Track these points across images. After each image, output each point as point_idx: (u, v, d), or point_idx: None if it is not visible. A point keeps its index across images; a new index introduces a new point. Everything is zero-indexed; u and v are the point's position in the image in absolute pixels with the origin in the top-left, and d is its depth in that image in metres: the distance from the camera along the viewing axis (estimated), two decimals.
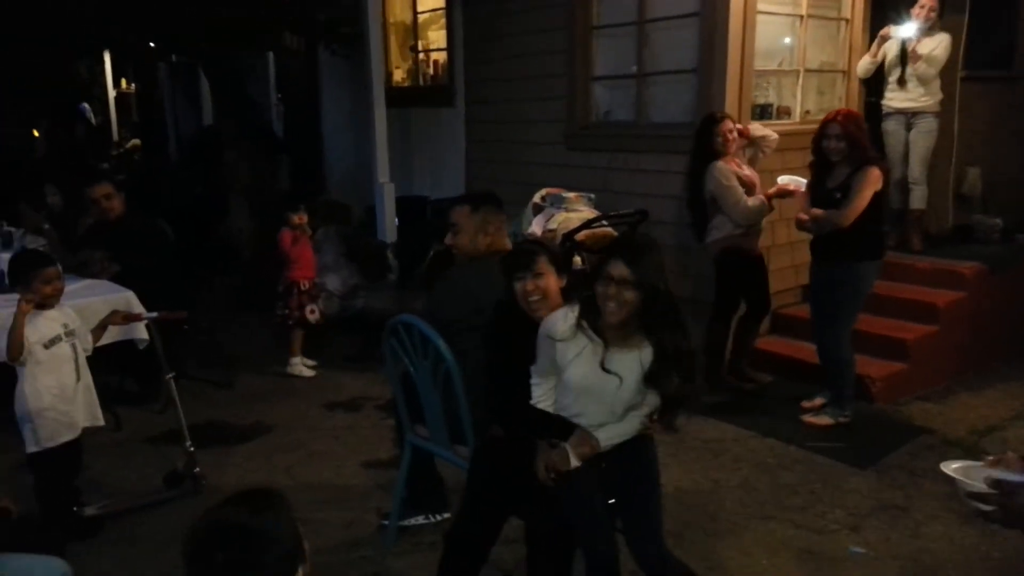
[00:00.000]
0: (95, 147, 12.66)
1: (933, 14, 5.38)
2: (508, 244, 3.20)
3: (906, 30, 5.41)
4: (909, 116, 5.51)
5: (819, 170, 4.30)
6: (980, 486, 1.52)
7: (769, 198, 4.63)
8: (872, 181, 4.11)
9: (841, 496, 3.71)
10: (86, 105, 14.00)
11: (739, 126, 4.76)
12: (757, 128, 4.88)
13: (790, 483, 3.83)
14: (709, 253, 4.79)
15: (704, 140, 4.62)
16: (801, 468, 3.98)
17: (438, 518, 3.46)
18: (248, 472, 4.03)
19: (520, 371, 2.61)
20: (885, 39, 5.51)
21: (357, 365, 5.50)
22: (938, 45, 5.39)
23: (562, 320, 2.43)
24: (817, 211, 4.23)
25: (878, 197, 4.19)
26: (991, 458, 1.65)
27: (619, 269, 2.32)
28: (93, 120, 13.92)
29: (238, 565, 1.39)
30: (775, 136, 4.84)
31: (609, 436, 2.50)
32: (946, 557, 3.24)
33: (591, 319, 2.39)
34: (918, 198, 5.58)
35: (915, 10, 5.39)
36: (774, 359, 5.16)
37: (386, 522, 3.42)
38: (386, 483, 3.81)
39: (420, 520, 3.46)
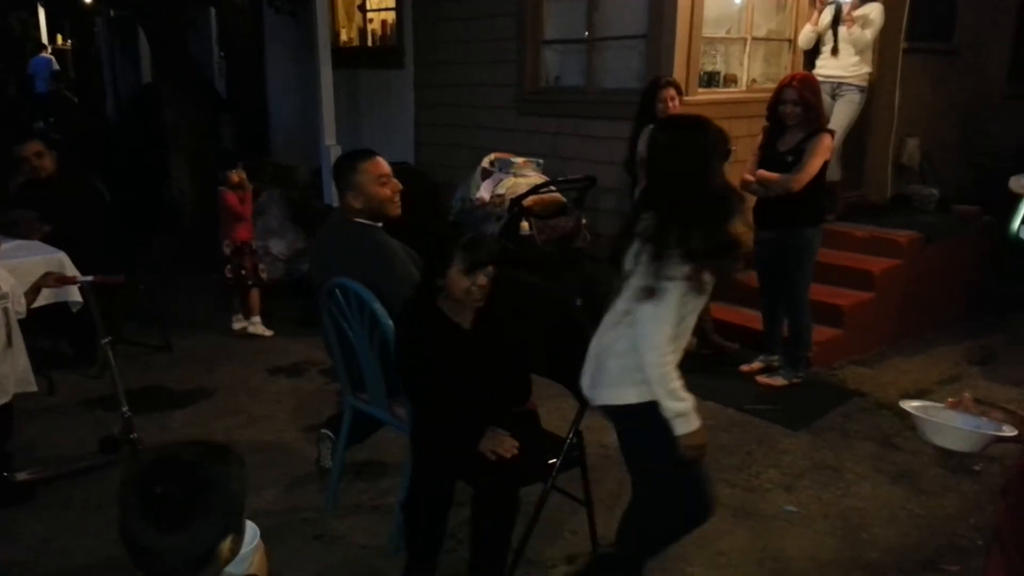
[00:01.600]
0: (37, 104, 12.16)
1: None
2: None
3: None
4: (835, 86, 5.56)
5: (771, 133, 4.36)
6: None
7: None
8: (824, 149, 4.19)
9: (776, 457, 3.82)
10: (49, 57, 13.39)
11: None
12: None
13: (726, 444, 3.92)
14: None
15: (647, 104, 4.64)
16: (738, 430, 4.08)
17: None
18: (187, 437, 3.97)
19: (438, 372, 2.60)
20: (824, 3, 5.55)
21: (301, 329, 5.43)
22: (873, 10, 5.45)
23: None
24: (766, 173, 4.28)
25: (824, 165, 4.27)
26: (950, 400, 1.73)
27: None
28: (55, 66, 13.33)
29: (172, 503, 1.31)
30: None
31: None
32: (874, 514, 3.36)
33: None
34: (833, 170, 5.60)
35: None
36: (715, 325, 5.23)
37: (325, 464, 3.50)
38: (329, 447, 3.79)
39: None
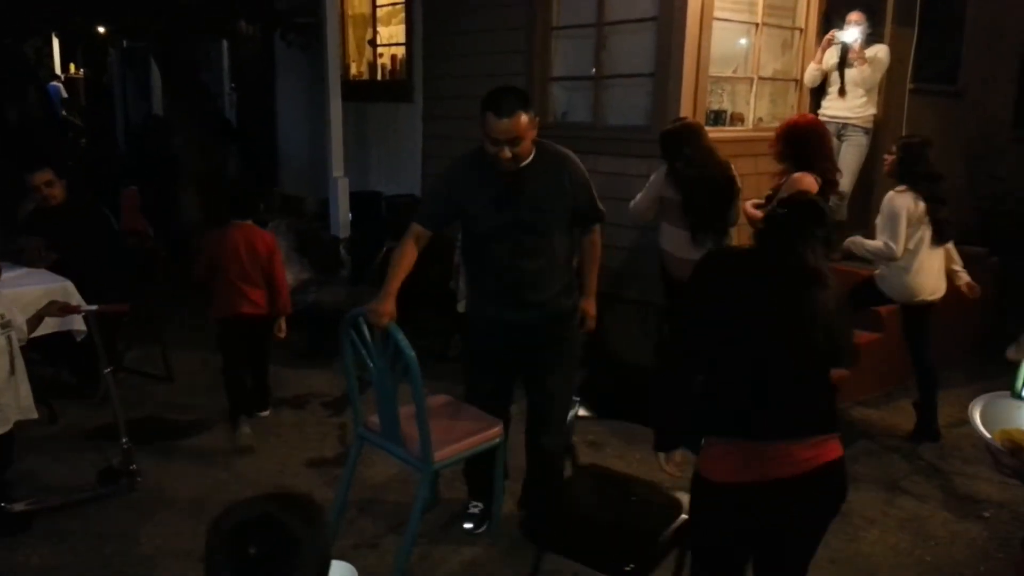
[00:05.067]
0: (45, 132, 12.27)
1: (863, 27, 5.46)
2: None
3: (850, 34, 5.50)
4: (840, 126, 5.58)
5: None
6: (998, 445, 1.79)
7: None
8: (794, 187, 4.18)
9: None
10: (58, 85, 13.58)
11: None
12: None
13: None
14: (662, 259, 4.72)
15: (677, 144, 4.45)
16: None
17: None
18: (188, 469, 3.93)
19: None
20: (830, 43, 5.59)
21: (305, 361, 5.41)
22: (881, 50, 5.49)
23: None
24: (750, 209, 4.32)
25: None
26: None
27: None
28: (64, 95, 13.57)
29: (266, 565, 1.31)
30: None
31: None
32: (881, 561, 3.30)
33: None
34: (839, 209, 5.57)
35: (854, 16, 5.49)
36: None
37: None
38: (331, 481, 3.76)
39: None
